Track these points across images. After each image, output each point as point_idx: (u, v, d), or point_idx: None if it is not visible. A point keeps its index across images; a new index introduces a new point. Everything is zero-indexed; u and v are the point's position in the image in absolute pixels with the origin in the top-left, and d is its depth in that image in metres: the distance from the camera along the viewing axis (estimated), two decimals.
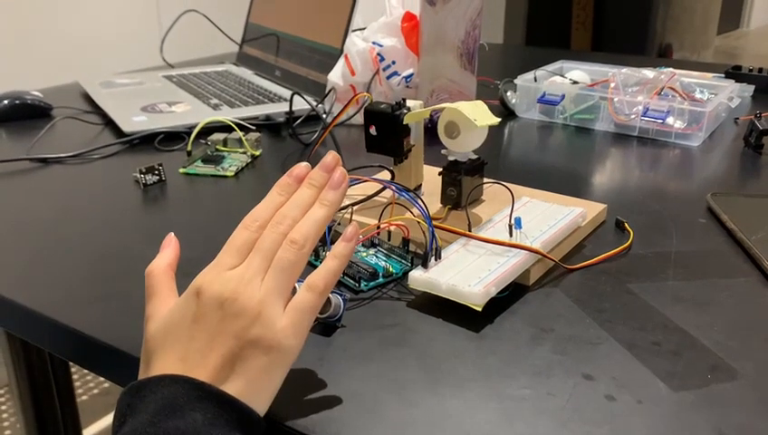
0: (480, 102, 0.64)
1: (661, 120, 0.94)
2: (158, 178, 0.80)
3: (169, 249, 0.48)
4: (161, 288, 0.45)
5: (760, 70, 1.21)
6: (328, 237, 0.58)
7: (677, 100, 0.96)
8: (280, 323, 0.41)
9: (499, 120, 0.64)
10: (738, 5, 6.57)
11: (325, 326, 0.52)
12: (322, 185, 0.47)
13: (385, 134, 0.66)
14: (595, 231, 0.67)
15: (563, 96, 1.02)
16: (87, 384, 1.71)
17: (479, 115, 0.61)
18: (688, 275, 0.59)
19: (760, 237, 0.63)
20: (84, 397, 1.66)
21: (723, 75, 1.18)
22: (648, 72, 1.01)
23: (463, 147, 0.64)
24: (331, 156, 0.49)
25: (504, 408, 0.44)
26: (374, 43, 0.99)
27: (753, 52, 5.82)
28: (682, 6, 4.33)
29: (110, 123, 1.02)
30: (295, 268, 0.43)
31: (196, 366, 0.40)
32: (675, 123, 0.94)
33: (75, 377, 1.64)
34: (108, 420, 1.60)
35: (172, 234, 0.50)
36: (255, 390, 0.40)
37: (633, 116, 0.97)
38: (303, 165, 0.49)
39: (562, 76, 1.09)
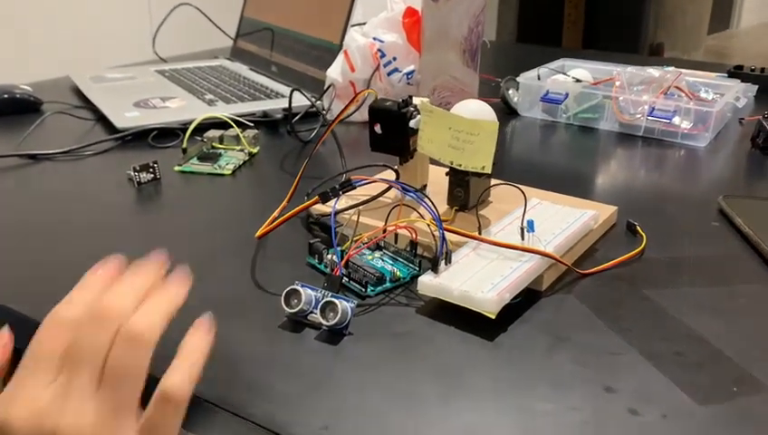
0: (485, 108, 0.61)
1: (668, 120, 0.92)
2: (152, 176, 0.77)
3: None
4: None
5: (762, 69, 1.19)
6: (334, 239, 0.55)
7: (684, 99, 0.94)
8: None
9: (497, 123, 0.61)
10: (728, 6, 6.59)
11: (332, 334, 0.49)
12: (158, 275, 0.37)
13: (390, 133, 0.64)
14: (606, 234, 0.65)
15: (567, 95, 1.00)
16: None
17: (484, 156, 0.58)
18: (705, 281, 0.57)
19: None
20: None
21: (726, 75, 1.16)
22: (654, 71, 0.99)
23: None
24: (159, 254, 0.38)
25: (524, 422, 0.41)
26: (374, 38, 0.97)
27: (742, 52, 5.84)
28: (673, 6, 4.34)
29: (101, 119, 0.99)
30: (137, 371, 0.32)
31: None
32: (681, 123, 0.92)
33: None
34: None
35: (5, 329, 0.39)
36: None
37: (638, 115, 0.95)
38: (118, 256, 0.38)
39: (565, 74, 1.07)
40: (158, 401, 0.32)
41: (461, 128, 0.59)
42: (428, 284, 0.52)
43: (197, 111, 0.94)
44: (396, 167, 0.66)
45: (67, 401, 0.31)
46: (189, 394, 0.33)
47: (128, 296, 0.34)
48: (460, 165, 0.59)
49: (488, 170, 0.58)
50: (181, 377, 0.33)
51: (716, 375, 0.46)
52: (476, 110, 0.63)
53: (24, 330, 0.53)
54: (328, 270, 0.57)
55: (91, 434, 0.30)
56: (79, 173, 0.82)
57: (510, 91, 1.06)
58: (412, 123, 0.62)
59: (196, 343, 0.35)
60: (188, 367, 0.33)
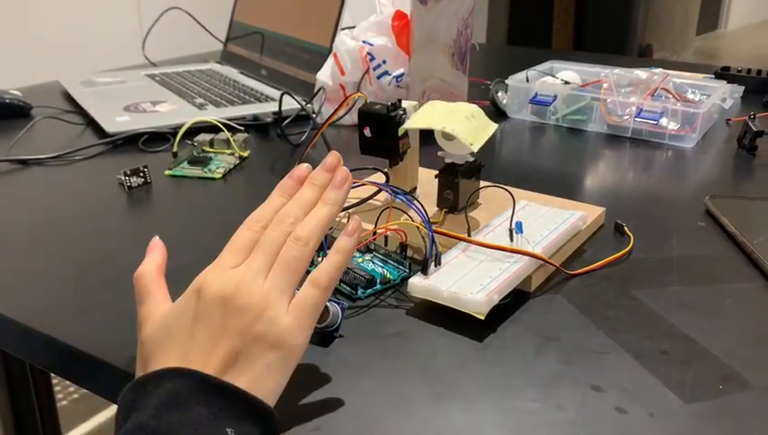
0: (475, 109, 0.62)
1: (655, 122, 0.93)
2: (143, 180, 0.78)
3: (156, 252, 0.47)
4: (153, 291, 0.44)
5: (749, 71, 1.21)
6: (324, 242, 0.55)
7: (671, 101, 0.95)
8: (284, 321, 0.40)
9: (496, 126, 0.62)
10: (716, 7, 6.63)
11: (323, 336, 0.50)
12: (325, 185, 0.47)
13: (380, 136, 0.65)
14: (594, 235, 0.66)
15: (555, 97, 1.01)
16: (67, 389, 1.67)
17: (474, 136, 0.59)
18: (692, 281, 0.58)
19: (762, 241, 0.62)
20: (64, 402, 1.62)
21: (713, 76, 1.17)
22: (641, 73, 1.00)
23: (460, 149, 0.63)
24: (332, 156, 0.48)
25: (513, 422, 0.42)
26: (364, 41, 0.97)
27: (731, 53, 5.88)
28: (662, 7, 4.36)
29: (91, 123, 0.99)
30: (300, 265, 0.42)
31: (199, 364, 0.38)
32: (668, 124, 0.93)
33: (55, 381, 1.61)
34: (88, 425, 1.56)
35: (157, 237, 0.48)
36: (260, 387, 0.39)
37: (626, 117, 0.96)
38: (305, 166, 0.48)
39: (553, 76, 1.08)
40: (308, 284, 0.42)
41: (465, 110, 0.61)
42: (418, 285, 0.52)
43: (188, 115, 0.94)
44: (386, 169, 0.67)
45: (247, 275, 0.41)
46: (332, 282, 0.43)
47: (300, 207, 0.45)
48: (453, 130, 0.59)
49: (474, 149, 0.59)
50: (328, 268, 0.43)
51: (703, 373, 0.46)
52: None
53: (12, 334, 0.53)
54: None
55: (257, 302, 0.40)
56: (69, 178, 0.82)
57: (499, 94, 1.07)
58: (402, 127, 0.63)
59: (343, 245, 0.44)
60: (333, 261, 0.43)
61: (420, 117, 0.62)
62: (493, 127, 0.61)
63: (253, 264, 0.42)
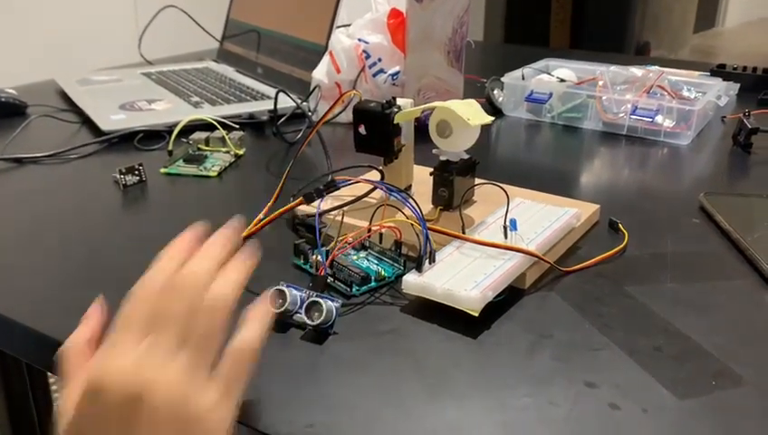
0: (472, 101, 0.62)
1: (650, 119, 0.93)
2: (138, 178, 0.78)
3: (90, 320, 0.41)
4: (74, 373, 0.38)
5: (744, 68, 1.21)
6: (319, 239, 0.56)
7: (666, 98, 0.95)
8: (209, 401, 0.35)
9: (492, 118, 0.63)
10: (713, 5, 6.63)
11: (317, 334, 0.50)
12: (230, 246, 0.40)
13: (375, 133, 0.65)
14: (589, 232, 0.66)
15: (551, 94, 1.01)
16: None
17: (472, 114, 0.60)
18: (686, 278, 0.58)
19: (756, 238, 0.62)
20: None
21: (708, 73, 1.17)
22: (636, 71, 1.00)
23: (455, 146, 0.63)
24: (237, 221, 0.42)
25: (506, 419, 0.42)
26: (360, 39, 0.97)
27: (727, 51, 5.88)
28: (659, 5, 4.36)
29: (87, 122, 0.99)
30: (214, 337, 0.36)
31: None
32: (664, 122, 0.93)
33: (52, 380, 1.60)
34: None
35: (98, 303, 0.43)
36: None
37: (621, 114, 0.96)
38: (199, 224, 0.42)
39: (549, 74, 1.08)
40: (232, 357, 0.37)
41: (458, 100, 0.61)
42: (413, 282, 0.52)
43: (183, 114, 0.94)
44: (380, 167, 0.67)
45: (153, 360, 0.35)
46: (258, 350, 0.38)
47: (205, 267, 0.38)
48: (449, 104, 0.59)
49: (471, 124, 0.59)
50: (251, 334, 0.38)
51: (696, 370, 0.46)
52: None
53: (8, 333, 0.53)
54: (313, 270, 0.57)
55: (174, 389, 0.34)
56: (64, 176, 0.82)
57: (495, 92, 1.07)
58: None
59: (261, 309, 0.39)
60: (257, 327, 0.38)
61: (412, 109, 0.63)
62: (488, 117, 0.60)
63: (157, 345, 0.35)
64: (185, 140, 0.87)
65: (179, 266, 0.38)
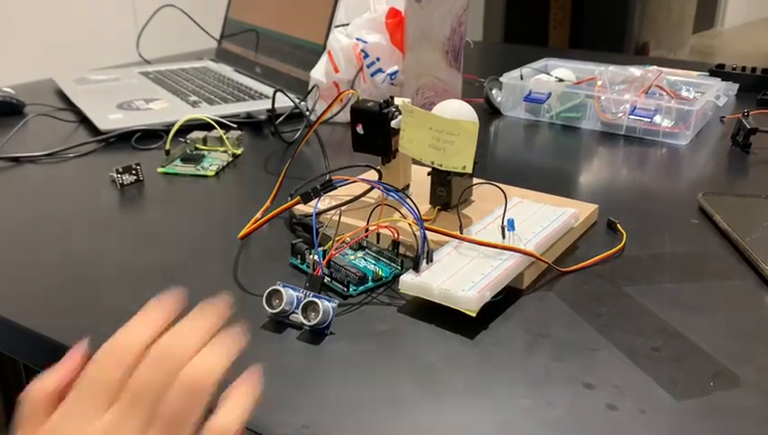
0: (452, 120, 0.61)
1: (649, 119, 0.93)
2: (135, 177, 0.77)
3: (64, 366, 0.35)
4: (31, 421, 0.33)
5: (743, 68, 1.21)
6: (316, 239, 0.55)
7: (665, 98, 0.95)
8: None
9: (476, 124, 0.61)
10: (712, 5, 6.63)
11: (314, 334, 0.49)
12: (216, 319, 0.36)
13: (373, 133, 0.64)
14: (587, 232, 0.66)
15: (549, 94, 1.01)
16: None
17: (461, 156, 0.59)
18: (684, 278, 0.58)
19: (755, 238, 0.62)
20: None
21: (707, 73, 1.17)
22: (635, 70, 1.00)
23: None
24: (225, 298, 0.37)
25: (504, 419, 0.42)
26: (358, 39, 0.97)
27: (727, 51, 5.88)
28: (658, 5, 4.36)
29: (85, 121, 0.99)
30: (190, 421, 0.31)
31: None
32: (662, 122, 0.93)
33: None
34: None
35: (80, 346, 0.37)
36: None
37: (620, 114, 0.96)
38: (180, 290, 0.37)
39: (548, 74, 1.07)
40: None
41: (441, 128, 0.59)
42: (410, 283, 0.52)
43: (181, 113, 0.94)
44: (378, 167, 0.67)
45: None
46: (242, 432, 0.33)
47: (190, 339, 0.33)
48: (441, 165, 0.60)
49: (469, 170, 0.59)
50: (230, 419, 0.32)
51: (694, 370, 0.46)
52: (457, 109, 0.63)
53: (4, 332, 0.53)
54: (310, 270, 0.57)
55: None
56: (62, 175, 0.81)
57: (493, 91, 1.07)
58: (393, 123, 0.63)
59: (245, 390, 0.34)
60: (237, 411, 0.33)
61: (408, 141, 0.62)
62: (474, 129, 0.59)
63: (125, 420, 0.31)
64: (182, 139, 0.87)
65: (152, 334, 0.34)
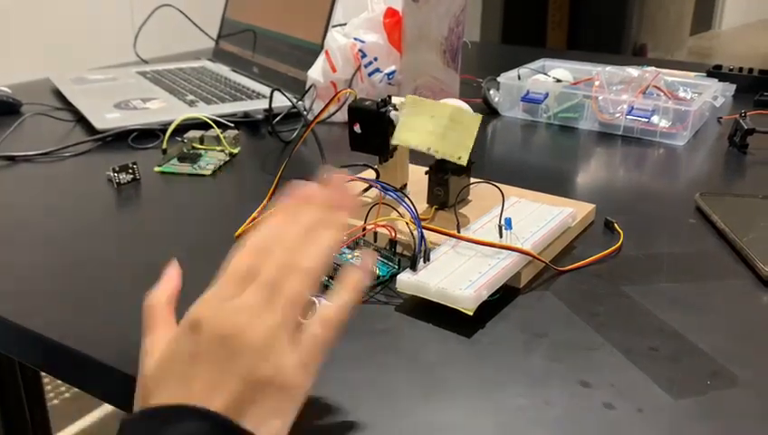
0: (454, 109, 0.61)
1: (646, 119, 0.93)
2: (132, 177, 0.77)
3: (170, 280, 0.44)
4: (159, 323, 0.41)
5: (740, 69, 1.21)
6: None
7: (662, 98, 0.95)
8: (290, 362, 0.37)
9: (479, 118, 0.61)
10: (710, 7, 6.64)
11: None
12: (329, 205, 0.43)
13: (370, 132, 0.64)
14: (584, 232, 0.66)
15: (547, 94, 1.01)
16: (58, 388, 1.66)
17: (457, 145, 0.59)
18: (681, 277, 0.58)
19: (751, 238, 0.62)
20: (55, 401, 1.62)
21: (705, 74, 1.17)
22: (633, 71, 1.00)
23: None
24: (338, 176, 0.44)
25: (500, 418, 0.42)
26: (355, 38, 0.97)
27: (725, 52, 5.89)
28: (656, 6, 4.37)
29: (81, 120, 0.98)
30: (303, 299, 0.39)
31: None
32: (660, 122, 0.93)
33: (46, 380, 1.60)
34: (80, 424, 1.56)
35: (176, 263, 0.45)
36: (267, 431, 0.36)
37: (618, 115, 0.96)
38: (307, 184, 0.44)
39: (545, 74, 1.07)
40: (317, 324, 0.39)
41: (445, 114, 0.59)
42: (407, 281, 0.52)
43: (178, 112, 0.93)
44: (376, 166, 0.67)
45: (248, 310, 0.37)
46: (343, 320, 0.40)
47: (303, 232, 0.40)
48: (437, 152, 0.59)
49: (464, 162, 0.59)
50: (339, 307, 0.40)
51: (691, 369, 0.46)
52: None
53: (0, 331, 0.53)
54: None
55: (260, 342, 0.36)
56: (58, 175, 0.81)
57: (491, 92, 1.07)
58: (392, 115, 0.62)
59: (356, 281, 0.41)
60: (346, 299, 0.40)
61: (405, 130, 0.62)
62: (476, 122, 0.60)
63: (253, 297, 0.38)
64: (179, 138, 0.86)
65: (286, 223, 0.41)
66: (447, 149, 0.59)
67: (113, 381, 0.47)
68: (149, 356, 0.39)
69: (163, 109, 1.01)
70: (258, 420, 0.36)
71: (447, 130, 0.59)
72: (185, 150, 0.85)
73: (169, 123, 0.88)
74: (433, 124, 0.60)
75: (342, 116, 0.95)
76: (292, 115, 0.96)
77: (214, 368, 0.36)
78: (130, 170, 0.77)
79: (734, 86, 1.15)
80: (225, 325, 0.37)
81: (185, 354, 0.37)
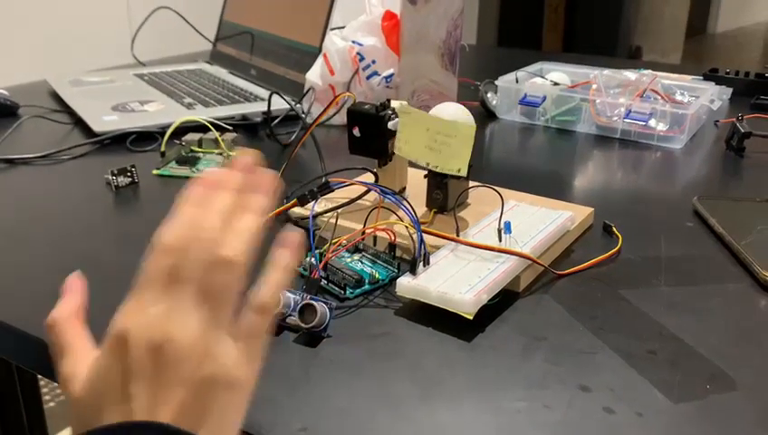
0: (448, 121, 0.61)
1: (644, 123, 0.93)
2: (130, 179, 0.77)
3: (73, 293, 0.41)
4: (71, 340, 0.38)
5: (737, 72, 1.21)
6: (312, 242, 0.55)
7: (660, 102, 0.95)
8: (231, 357, 0.35)
9: (473, 127, 0.61)
10: (705, 10, 6.66)
11: (311, 337, 0.49)
12: (242, 188, 0.40)
13: (369, 135, 0.64)
14: (583, 235, 0.66)
15: (545, 98, 1.01)
16: (54, 390, 1.66)
17: (455, 158, 0.59)
18: (680, 281, 0.58)
19: (749, 241, 0.63)
20: (52, 404, 1.61)
21: (701, 78, 1.18)
22: (630, 74, 1.00)
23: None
24: (247, 154, 0.41)
25: (500, 422, 0.42)
26: (354, 42, 0.97)
27: (720, 55, 5.91)
28: (651, 10, 4.39)
29: (79, 123, 0.98)
30: (231, 290, 0.36)
31: None
32: (657, 125, 0.93)
33: (42, 383, 1.60)
34: None
35: (78, 274, 0.42)
36: (220, 432, 0.35)
37: (615, 118, 0.96)
38: (213, 170, 0.41)
39: (543, 77, 1.08)
40: (252, 312, 0.37)
41: (438, 129, 0.59)
42: (406, 285, 0.52)
43: (176, 115, 0.93)
44: (375, 169, 0.67)
45: (173, 315, 0.35)
46: (277, 302, 0.38)
47: (218, 218, 0.38)
48: (437, 167, 0.60)
49: (463, 173, 0.59)
50: (270, 289, 0.38)
51: (690, 373, 0.46)
52: (454, 113, 0.63)
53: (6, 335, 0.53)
54: (307, 273, 0.57)
55: (195, 344, 0.34)
56: (56, 177, 0.81)
57: (489, 95, 1.07)
58: (390, 125, 0.63)
59: (282, 258, 0.39)
60: (276, 279, 0.38)
61: (404, 142, 0.62)
62: (471, 132, 0.59)
63: (178, 298, 0.35)
64: (177, 141, 0.86)
65: (198, 213, 0.38)
66: (445, 163, 0.59)
67: None
68: (75, 381, 0.36)
69: (161, 111, 1.01)
70: (210, 421, 0.34)
71: (443, 146, 0.59)
72: (183, 153, 0.85)
73: (167, 126, 0.87)
74: (428, 138, 0.60)
75: (340, 119, 0.95)
76: (290, 118, 0.96)
77: (152, 382, 0.34)
78: (129, 173, 0.77)
79: (730, 89, 1.15)
80: (153, 335, 0.34)
81: (116, 374, 0.34)
